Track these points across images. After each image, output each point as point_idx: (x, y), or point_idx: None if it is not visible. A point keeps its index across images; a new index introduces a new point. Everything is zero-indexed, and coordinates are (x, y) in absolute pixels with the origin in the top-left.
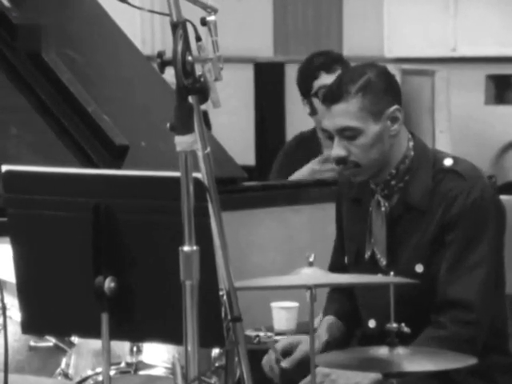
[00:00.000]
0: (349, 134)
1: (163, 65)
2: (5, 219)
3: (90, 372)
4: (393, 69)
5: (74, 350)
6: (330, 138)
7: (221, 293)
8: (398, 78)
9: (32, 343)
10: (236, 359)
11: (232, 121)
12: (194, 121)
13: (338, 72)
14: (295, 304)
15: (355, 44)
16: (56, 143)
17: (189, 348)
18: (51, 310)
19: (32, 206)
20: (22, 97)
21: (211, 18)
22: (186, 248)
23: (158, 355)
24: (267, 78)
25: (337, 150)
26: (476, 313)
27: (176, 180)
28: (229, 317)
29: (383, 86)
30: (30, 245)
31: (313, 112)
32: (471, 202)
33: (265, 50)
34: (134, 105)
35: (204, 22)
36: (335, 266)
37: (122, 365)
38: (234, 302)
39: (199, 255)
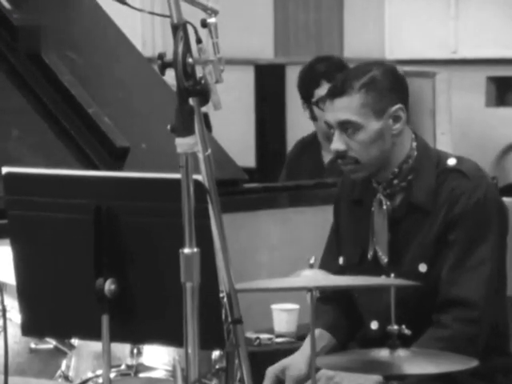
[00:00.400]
0: (349, 129)
1: (164, 67)
2: (5, 221)
3: (90, 374)
4: None
5: (74, 352)
6: (331, 128)
7: (221, 295)
8: None
9: (32, 345)
10: (236, 361)
11: (233, 123)
12: (195, 123)
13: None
14: (296, 306)
15: (356, 46)
16: (57, 145)
17: (189, 350)
18: (51, 312)
19: (33, 208)
20: (24, 99)
21: (212, 19)
22: (187, 250)
23: (158, 357)
24: (268, 80)
25: (336, 144)
26: (478, 311)
27: (176, 182)
28: (229, 319)
29: (388, 84)
30: (31, 247)
31: (313, 118)
32: (475, 202)
33: (265, 52)
34: (135, 107)
35: (205, 24)
36: (325, 264)
37: (123, 367)
38: (234, 304)
39: (200, 257)
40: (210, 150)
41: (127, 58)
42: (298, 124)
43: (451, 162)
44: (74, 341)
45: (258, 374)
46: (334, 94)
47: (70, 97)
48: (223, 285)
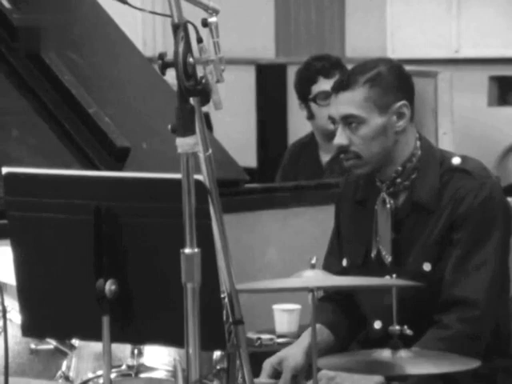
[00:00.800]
0: (352, 123)
1: (164, 66)
2: (5, 221)
3: (90, 375)
4: None
5: (74, 352)
6: (335, 125)
7: (222, 295)
8: None
9: (33, 346)
10: (238, 362)
11: (234, 122)
12: (196, 123)
13: (337, 77)
14: (297, 306)
15: (358, 45)
16: (57, 145)
17: (190, 351)
18: (52, 313)
19: (33, 209)
20: (24, 99)
21: (213, 19)
22: (188, 250)
23: (159, 358)
24: (269, 80)
25: (339, 138)
26: (481, 310)
27: (177, 182)
28: (230, 319)
29: (393, 81)
30: (31, 247)
31: (310, 116)
32: (480, 201)
33: (267, 52)
34: (135, 107)
35: (205, 24)
36: (329, 265)
37: (123, 368)
38: (235, 304)
39: (201, 257)
40: (210, 150)
41: (128, 57)
42: (300, 124)
43: (456, 161)
44: (75, 341)
45: (259, 375)
46: (338, 87)
47: (70, 97)
48: (224, 285)
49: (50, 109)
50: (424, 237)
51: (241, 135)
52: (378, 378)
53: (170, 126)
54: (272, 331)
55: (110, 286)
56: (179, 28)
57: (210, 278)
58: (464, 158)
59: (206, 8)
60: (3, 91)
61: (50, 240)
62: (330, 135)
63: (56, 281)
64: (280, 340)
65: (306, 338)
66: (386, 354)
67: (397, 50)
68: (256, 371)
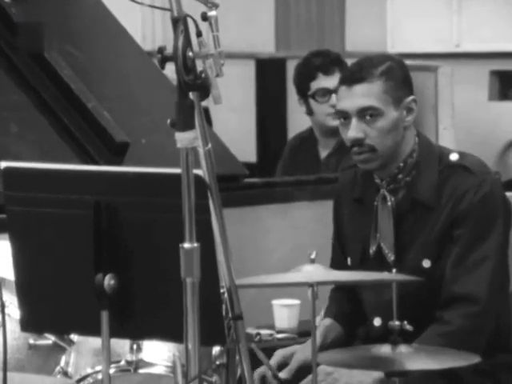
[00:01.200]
0: (367, 116)
1: (164, 60)
2: (4, 216)
3: (89, 370)
4: None
5: (73, 348)
6: (345, 119)
7: (222, 290)
8: None
9: (31, 341)
10: (237, 357)
11: (233, 117)
12: (195, 117)
13: (336, 74)
14: (297, 302)
15: (358, 39)
16: (56, 140)
17: (189, 346)
18: (50, 308)
19: (32, 203)
20: (23, 94)
21: (212, 13)
22: (187, 245)
23: (158, 353)
24: (269, 74)
25: (354, 131)
26: (482, 306)
27: (177, 177)
28: (230, 315)
29: (402, 75)
30: (30, 242)
31: (309, 112)
32: (480, 197)
33: (266, 46)
34: (135, 101)
35: (205, 17)
36: (337, 265)
37: (122, 363)
38: (235, 299)
39: (200, 252)
40: (210, 145)
41: (127, 51)
42: (299, 118)
43: (454, 157)
44: (74, 337)
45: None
46: (352, 80)
47: (69, 91)
48: (224, 280)
49: (49, 104)
50: (424, 234)
51: (240, 130)
52: (378, 374)
53: (169, 121)
54: (271, 326)
55: (109, 281)
56: (179, 22)
57: (209, 273)
58: (462, 154)
59: (205, 2)
60: (2, 86)
61: (49, 235)
62: (329, 131)
63: (55, 276)
64: (279, 335)
65: (319, 336)
66: (385, 349)
67: (397, 45)
68: (255, 367)
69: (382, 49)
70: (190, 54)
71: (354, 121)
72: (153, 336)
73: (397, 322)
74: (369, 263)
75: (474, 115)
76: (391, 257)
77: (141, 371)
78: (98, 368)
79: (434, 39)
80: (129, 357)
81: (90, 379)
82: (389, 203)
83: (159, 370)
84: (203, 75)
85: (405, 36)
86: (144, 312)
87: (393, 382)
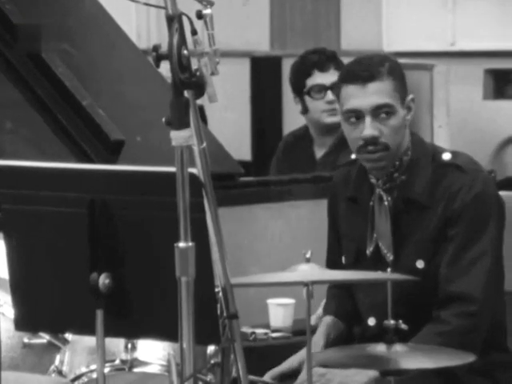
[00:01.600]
0: (382, 114)
1: (159, 59)
2: None
3: (84, 369)
4: None
5: (68, 347)
6: (358, 118)
7: (217, 289)
8: None
9: (26, 340)
10: (232, 356)
11: (228, 116)
12: (190, 115)
13: (332, 71)
14: (292, 301)
15: (353, 38)
16: (51, 138)
17: (184, 345)
18: (45, 307)
19: (26, 202)
20: (17, 91)
21: (207, 11)
22: (182, 244)
23: (153, 352)
24: (264, 73)
25: (370, 129)
26: (478, 305)
27: (172, 175)
28: (225, 314)
29: (402, 74)
30: (24, 240)
31: (304, 111)
32: (473, 196)
33: (262, 44)
34: (130, 99)
35: (200, 16)
36: (332, 264)
37: (117, 362)
38: (230, 298)
39: (195, 251)
40: (205, 143)
41: (122, 49)
42: (295, 117)
43: (446, 156)
44: (68, 335)
45: (253, 370)
46: (363, 78)
47: (64, 89)
48: (219, 279)
49: (44, 101)
50: (417, 234)
51: (235, 128)
52: (373, 373)
53: (164, 119)
54: (266, 325)
55: (104, 280)
56: (173, 20)
57: (204, 271)
58: (454, 153)
59: (200, 0)
60: None
61: (44, 233)
62: (325, 129)
63: (50, 274)
64: (274, 334)
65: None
66: (380, 348)
67: (392, 43)
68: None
69: (377, 47)
70: (185, 52)
71: (368, 119)
72: (148, 335)
73: (392, 321)
74: (365, 263)
75: (468, 113)
76: (390, 257)
77: (135, 370)
78: (93, 367)
79: (429, 38)
80: (123, 356)
81: (84, 378)
82: (385, 203)
83: (154, 368)
84: (198, 73)
85: (400, 34)
86: (139, 311)
87: (388, 381)
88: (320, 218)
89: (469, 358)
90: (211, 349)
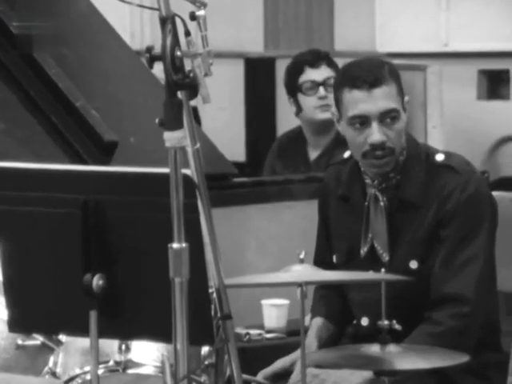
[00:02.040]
0: (388, 119)
1: (152, 60)
2: None
3: (78, 371)
4: None
5: (61, 348)
6: (362, 123)
7: (211, 290)
8: None
9: (19, 341)
10: (226, 357)
11: (222, 116)
12: (184, 116)
13: (323, 67)
14: (286, 301)
15: (347, 39)
16: (44, 139)
17: (178, 346)
18: (39, 308)
19: (19, 203)
20: (10, 92)
21: (201, 12)
22: (176, 245)
23: (147, 353)
24: (258, 74)
25: (378, 135)
26: (471, 306)
27: (165, 176)
28: (219, 314)
29: (399, 76)
30: (18, 241)
31: (298, 110)
32: (467, 197)
33: (255, 45)
34: (123, 100)
35: (193, 17)
36: (320, 263)
37: (111, 363)
38: (223, 299)
39: (189, 252)
40: (198, 144)
41: (115, 50)
42: (288, 118)
43: (439, 157)
44: (62, 337)
45: (247, 370)
46: (369, 83)
47: (57, 90)
48: (212, 280)
49: (37, 102)
50: (410, 234)
51: (229, 129)
52: (367, 374)
53: (157, 120)
54: (261, 326)
55: (97, 281)
56: (167, 21)
57: (198, 272)
58: (447, 154)
59: (193, 1)
60: None
61: (37, 234)
62: (319, 126)
63: (43, 276)
64: (269, 335)
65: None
66: (374, 348)
67: (386, 44)
68: (244, 366)
69: (371, 48)
70: (179, 53)
71: (375, 124)
72: (141, 336)
73: (386, 322)
74: (357, 262)
75: (462, 114)
76: (386, 257)
77: (129, 371)
78: (87, 368)
79: (422, 38)
80: (117, 357)
81: (78, 380)
82: (381, 203)
83: (148, 370)
84: (192, 74)
85: (394, 35)
86: (133, 312)
87: (382, 381)
88: (314, 218)
89: (463, 359)
90: (205, 350)
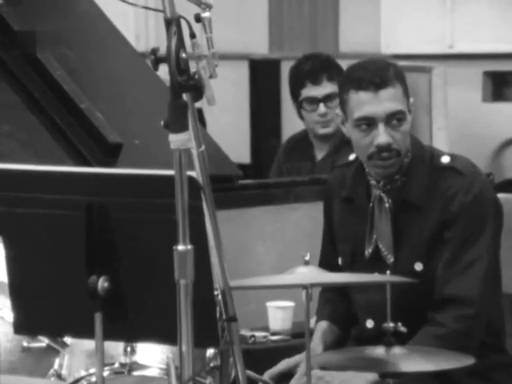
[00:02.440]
0: (394, 120)
1: (157, 62)
2: None
3: (83, 373)
4: None
5: (67, 350)
6: (369, 125)
7: (216, 292)
8: None
9: (25, 344)
10: (231, 359)
11: (227, 118)
12: (189, 118)
13: (324, 82)
14: (291, 303)
15: (352, 40)
16: (48, 141)
17: (183, 348)
18: (44, 310)
19: (24, 205)
20: (14, 94)
21: (206, 14)
22: (181, 247)
23: (152, 355)
24: (263, 75)
25: (385, 137)
26: (474, 308)
27: (170, 178)
28: (224, 316)
29: (405, 78)
30: (23, 244)
31: (301, 118)
32: (471, 199)
33: (260, 47)
34: (128, 102)
35: (198, 19)
36: (325, 265)
37: (116, 365)
38: (228, 301)
39: (194, 254)
40: (203, 146)
41: (120, 52)
42: (293, 119)
43: (445, 159)
44: (67, 339)
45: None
46: (375, 85)
47: (61, 92)
48: (217, 282)
49: (42, 104)
50: (415, 236)
51: (234, 131)
52: (372, 376)
53: (162, 122)
54: (266, 328)
55: (102, 283)
56: (172, 23)
57: (203, 274)
58: (453, 156)
59: (198, 3)
60: None
61: (42, 237)
62: (320, 138)
63: (48, 278)
64: (274, 337)
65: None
66: (379, 350)
67: (391, 45)
68: (249, 369)
69: (376, 50)
70: (184, 55)
71: (381, 126)
72: (146, 338)
73: (391, 324)
74: (362, 264)
75: (467, 116)
76: (390, 258)
77: (135, 373)
78: (92, 370)
79: (427, 40)
80: (122, 359)
81: (83, 382)
82: (386, 204)
83: (153, 372)
84: (196, 76)
85: (399, 37)
86: (138, 314)
87: (387, 383)
88: (319, 220)
89: (468, 361)
90: (210, 352)
